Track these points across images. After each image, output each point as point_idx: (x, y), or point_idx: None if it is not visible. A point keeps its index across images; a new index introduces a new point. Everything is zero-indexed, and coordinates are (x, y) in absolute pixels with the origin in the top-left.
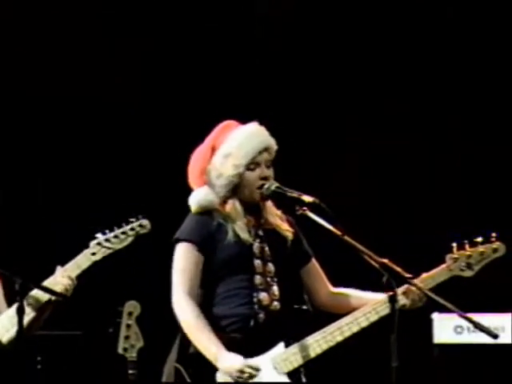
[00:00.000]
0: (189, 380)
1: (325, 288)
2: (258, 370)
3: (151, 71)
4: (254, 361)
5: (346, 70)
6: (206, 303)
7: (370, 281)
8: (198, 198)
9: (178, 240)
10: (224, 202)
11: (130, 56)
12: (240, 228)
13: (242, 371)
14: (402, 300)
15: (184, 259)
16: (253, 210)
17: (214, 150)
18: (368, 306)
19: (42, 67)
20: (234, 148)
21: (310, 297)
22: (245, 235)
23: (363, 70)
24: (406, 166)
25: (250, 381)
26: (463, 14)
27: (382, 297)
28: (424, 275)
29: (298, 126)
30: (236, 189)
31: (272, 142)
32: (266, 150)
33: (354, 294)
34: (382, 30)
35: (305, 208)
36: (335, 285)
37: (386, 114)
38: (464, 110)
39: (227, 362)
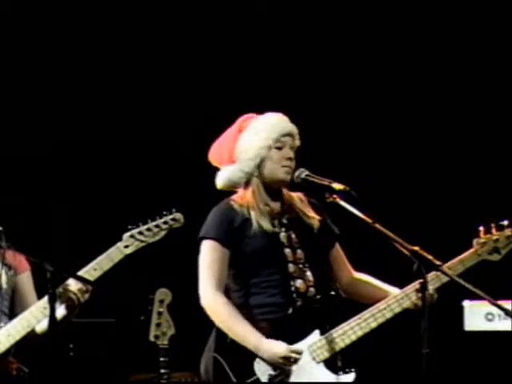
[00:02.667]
0: (228, 369)
1: (347, 273)
2: (301, 352)
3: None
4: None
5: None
6: (242, 294)
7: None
8: (227, 173)
9: (203, 238)
10: (246, 184)
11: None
12: (261, 215)
13: (286, 357)
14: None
15: (210, 257)
16: (275, 197)
17: (241, 131)
18: (401, 292)
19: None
20: (264, 124)
21: (331, 281)
22: (267, 225)
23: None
24: (432, 153)
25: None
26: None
27: (412, 284)
28: (453, 260)
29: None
30: (261, 165)
31: (297, 132)
32: (291, 135)
33: (374, 283)
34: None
35: (335, 196)
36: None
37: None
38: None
39: (270, 349)
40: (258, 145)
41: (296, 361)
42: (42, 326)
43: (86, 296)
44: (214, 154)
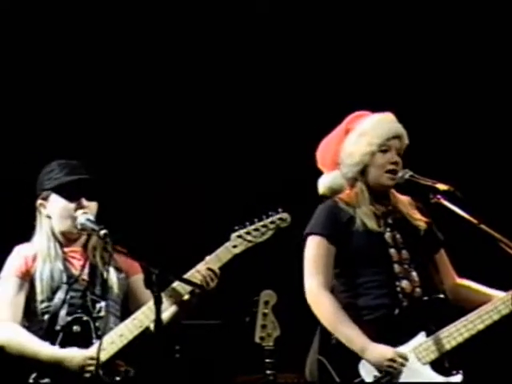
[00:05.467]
0: (333, 371)
1: (451, 279)
2: (407, 359)
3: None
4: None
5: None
6: (347, 295)
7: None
8: (328, 180)
9: (309, 234)
10: (351, 186)
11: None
12: (366, 215)
13: (393, 360)
14: None
15: (316, 253)
16: (381, 198)
17: (347, 132)
18: (508, 293)
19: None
20: (369, 128)
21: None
22: (372, 224)
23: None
24: None
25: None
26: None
27: None
28: None
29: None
30: (365, 171)
31: (404, 133)
32: (399, 137)
33: (478, 288)
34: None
35: (439, 196)
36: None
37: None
38: None
39: (376, 352)
40: (361, 151)
41: (402, 365)
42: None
43: (215, 283)
44: (319, 154)
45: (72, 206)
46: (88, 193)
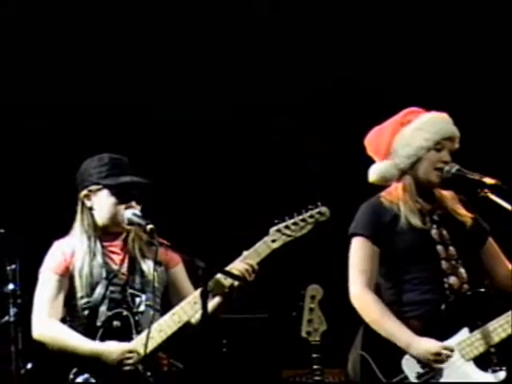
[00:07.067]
0: (375, 367)
1: (504, 267)
2: (452, 350)
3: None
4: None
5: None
6: (394, 291)
7: None
8: (381, 168)
9: (353, 234)
10: (399, 178)
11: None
12: (411, 212)
13: (438, 354)
14: None
15: (360, 253)
16: (426, 194)
17: (403, 124)
18: None
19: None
20: (428, 123)
21: (488, 277)
22: (416, 221)
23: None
24: None
25: (446, 365)
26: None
27: None
28: None
29: None
30: (416, 164)
31: (458, 136)
32: (452, 139)
33: None
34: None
35: (486, 190)
36: None
37: None
38: None
39: (421, 347)
40: (418, 144)
41: (447, 358)
42: (196, 318)
43: (252, 278)
44: (371, 143)
45: (122, 206)
46: (138, 195)
